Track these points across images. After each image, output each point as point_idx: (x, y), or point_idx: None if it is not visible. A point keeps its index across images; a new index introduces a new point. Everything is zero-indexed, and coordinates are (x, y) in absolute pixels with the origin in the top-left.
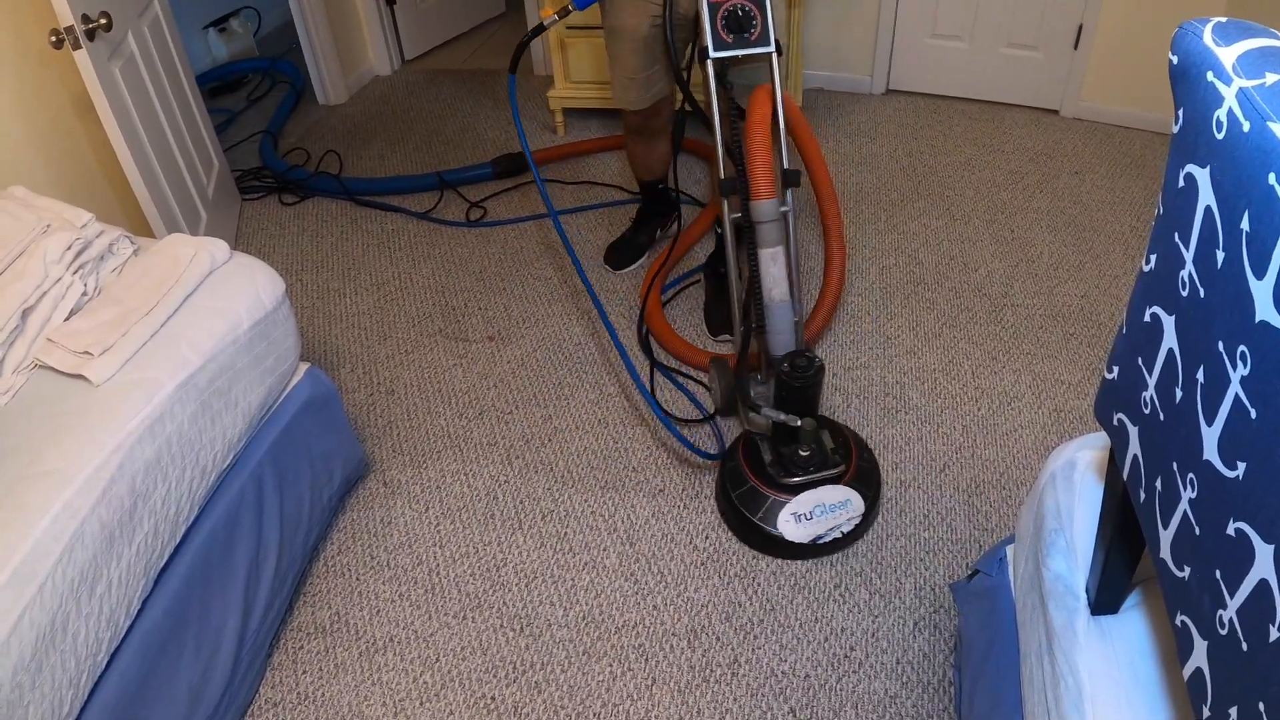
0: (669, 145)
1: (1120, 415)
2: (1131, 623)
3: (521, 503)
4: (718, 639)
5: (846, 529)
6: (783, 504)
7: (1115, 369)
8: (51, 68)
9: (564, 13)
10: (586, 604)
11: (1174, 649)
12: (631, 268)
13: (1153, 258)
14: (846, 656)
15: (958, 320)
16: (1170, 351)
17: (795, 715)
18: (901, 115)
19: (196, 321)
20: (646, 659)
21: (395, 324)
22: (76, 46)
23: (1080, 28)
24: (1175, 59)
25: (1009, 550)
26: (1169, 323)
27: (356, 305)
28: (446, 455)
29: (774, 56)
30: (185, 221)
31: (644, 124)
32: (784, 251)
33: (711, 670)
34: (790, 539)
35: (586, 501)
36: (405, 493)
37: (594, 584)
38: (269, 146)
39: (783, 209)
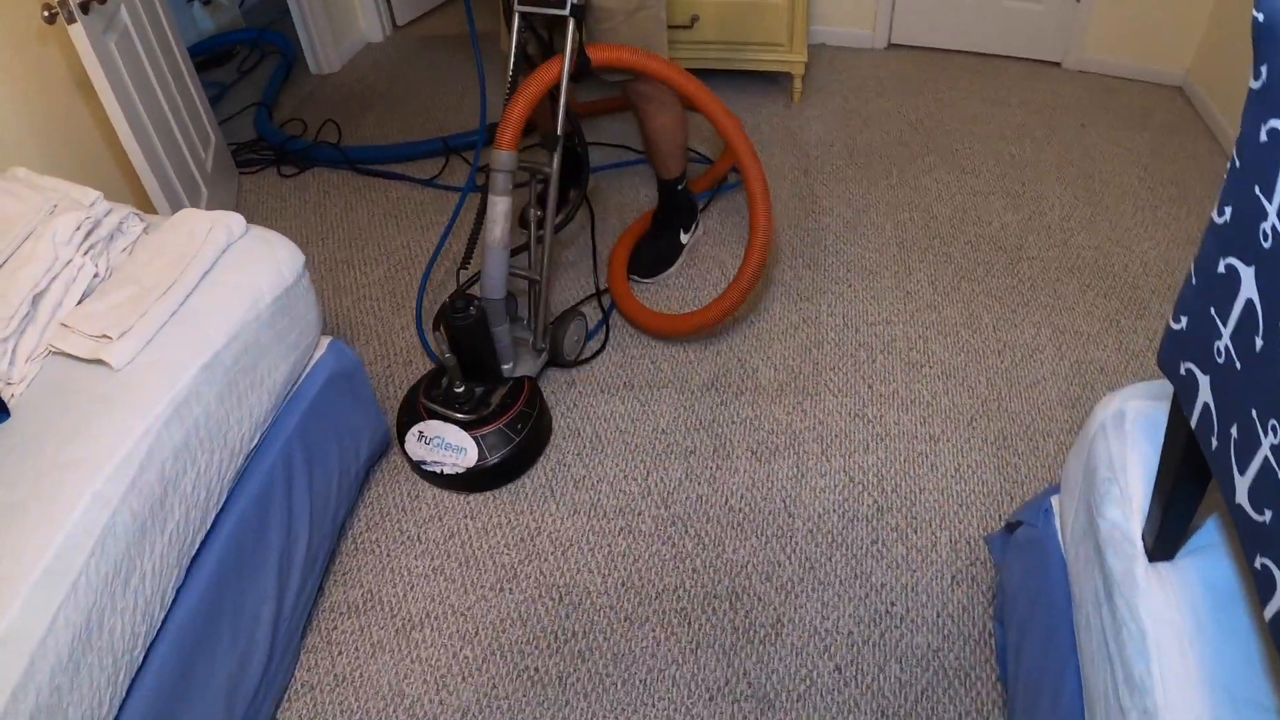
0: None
1: (1189, 365)
2: (1188, 569)
3: (551, 470)
4: (759, 599)
5: (449, 470)
6: (418, 420)
7: (1183, 319)
8: (49, 44)
9: None
10: (625, 570)
11: (1233, 592)
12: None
13: (1227, 210)
14: (887, 612)
15: (975, 273)
16: (1249, 301)
17: (840, 672)
18: (905, 70)
19: (217, 298)
20: (689, 623)
21: (408, 293)
22: (71, 20)
23: None
24: (1261, 16)
25: (1054, 501)
26: (1248, 274)
27: (367, 276)
28: None
29: (570, 21)
30: (187, 197)
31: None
32: (508, 202)
33: (755, 631)
34: (406, 450)
35: (617, 465)
36: None
37: (631, 549)
38: (264, 118)
39: (544, 170)
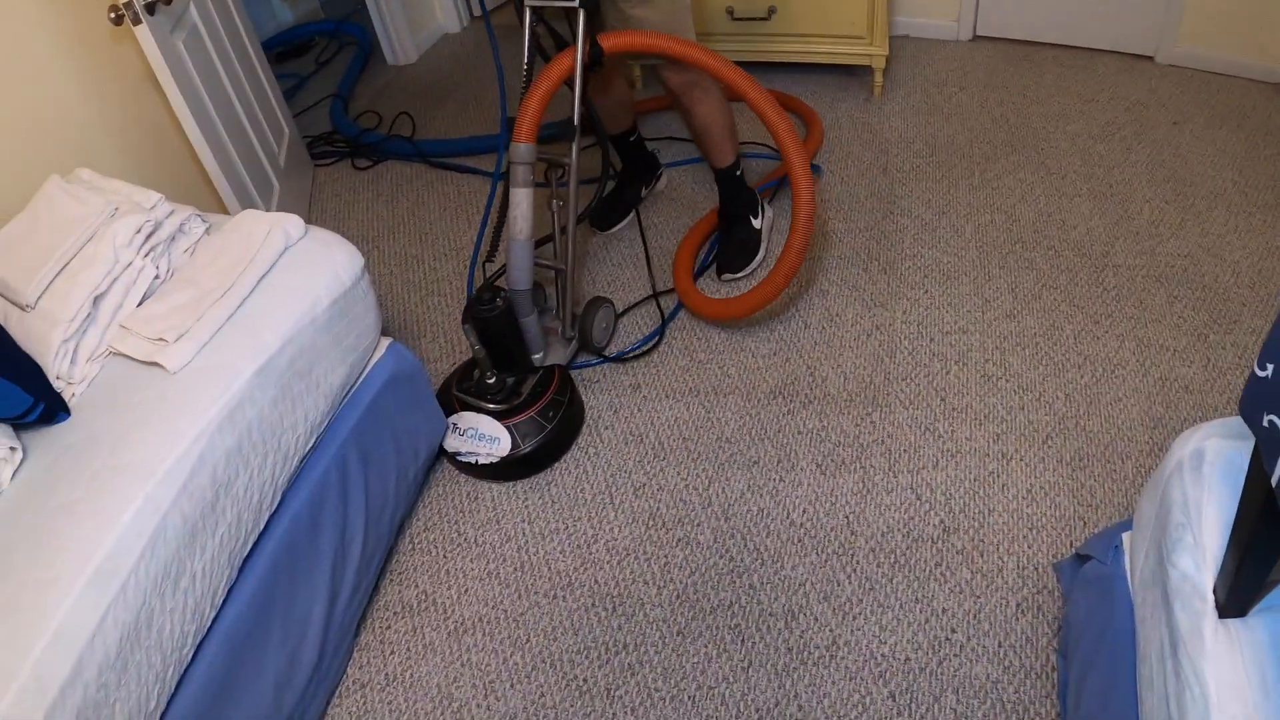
0: (626, 88)
1: (1273, 417)
2: (1259, 628)
3: (612, 476)
4: (816, 619)
5: (483, 460)
6: (454, 412)
7: (1269, 367)
8: (122, 43)
9: None
10: (680, 582)
11: None
12: (617, 228)
13: None
14: (947, 639)
15: (1058, 281)
16: None
17: (895, 700)
18: (990, 63)
19: (273, 302)
20: (743, 640)
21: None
22: (136, 22)
23: None
24: None
25: (1125, 538)
26: None
27: (436, 272)
28: None
29: (580, 14)
30: (258, 192)
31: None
32: (529, 194)
33: (809, 652)
34: (442, 443)
35: (679, 474)
36: None
37: (688, 561)
38: (340, 110)
39: (564, 160)
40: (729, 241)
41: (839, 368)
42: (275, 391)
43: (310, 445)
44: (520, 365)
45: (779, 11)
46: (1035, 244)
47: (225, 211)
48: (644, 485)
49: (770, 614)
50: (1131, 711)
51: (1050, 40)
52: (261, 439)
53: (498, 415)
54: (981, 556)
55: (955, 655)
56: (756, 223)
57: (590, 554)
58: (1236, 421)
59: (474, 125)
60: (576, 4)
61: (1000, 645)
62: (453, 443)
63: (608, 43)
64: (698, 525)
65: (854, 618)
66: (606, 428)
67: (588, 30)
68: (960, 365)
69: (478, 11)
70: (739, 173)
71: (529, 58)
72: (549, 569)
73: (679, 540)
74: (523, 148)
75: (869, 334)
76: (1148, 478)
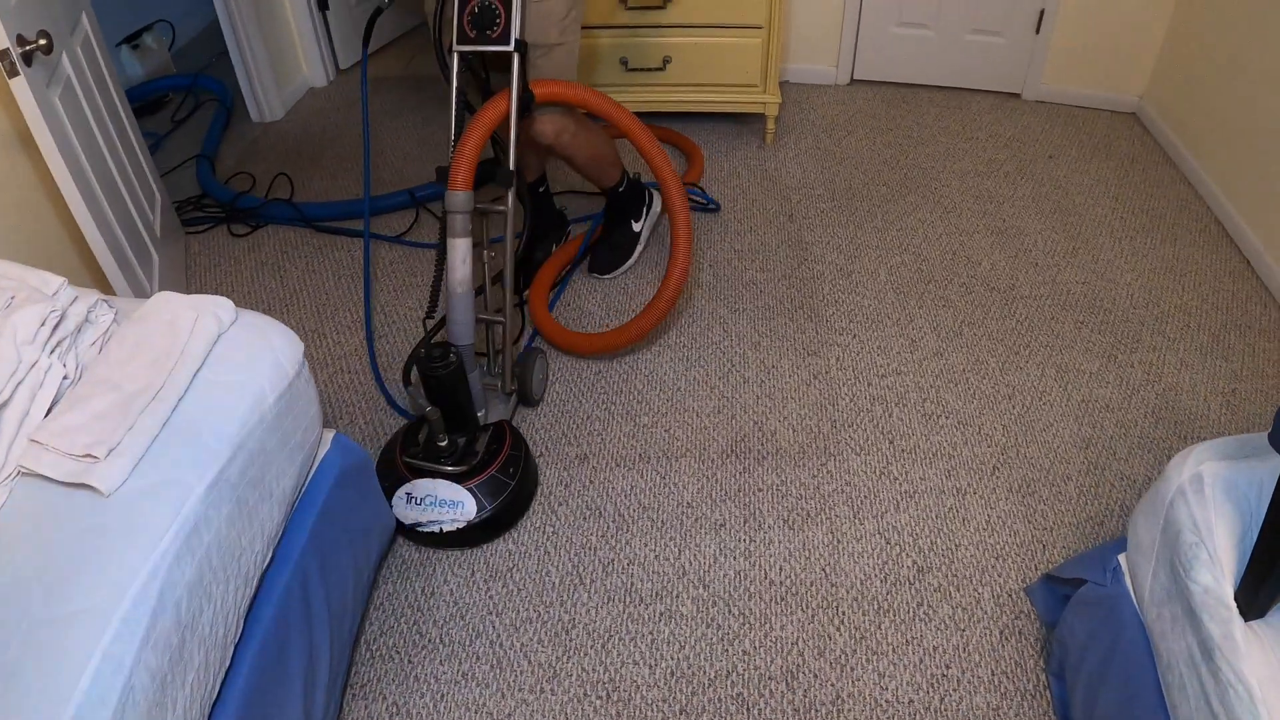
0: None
1: None
2: None
3: (576, 555)
4: (815, 676)
5: (447, 528)
6: (404, 480)
7: None
8: None
9: None
10: (671, 658)
11: None
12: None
13: None
14: (944, 675)
15: (974, 316)
16: None
17: None
18: (871, 106)
19: (214, 402)
20: (748, 709)
21: (390, 364)
22: (13, 73)
23: (1042, 12)
24: None
25: (1121, 559)
26: None
27: (341, 347)
28: None
29: (515, 57)
30: (139, 264)
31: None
32: (467, 244)
33: (816, 710)
34: (397, 514)
35: (646, 545)
36: (443, 557)
37: (674, 636)
38: (207, 172)
39: (499, 207)
40: (605, 242)
41: (785, 420)
42: (231, 507)
43: (269, 561)
44: (470, 424)
45: (673, 61)
46: (947, 281)
47: (108, 289)
48: (612, 561)
49: (769, 677)
50: (1159, 717)
51: (923, 82)
52: (222, 564)
53: (457, 478)
54: (958, 591)
55: (954, 690)
56: (637, 226)
57: (570, 641)
58: (1220, 444)
59: (357, 185)
60: (512, 48)
61: (993, 673)
62: (410, 514)
63: (541, 90)
64: (677, 597)
65: (852, 669)
66: (560, 504)
67: (521, 74)
68: (900, 407)
69: (344, 64)
70: (622, 188)
71: (456, 107)
72: (529, 662)
73: (661, 615)
74: (460, 196)
75: (808, 383)
76: (1139, 505)
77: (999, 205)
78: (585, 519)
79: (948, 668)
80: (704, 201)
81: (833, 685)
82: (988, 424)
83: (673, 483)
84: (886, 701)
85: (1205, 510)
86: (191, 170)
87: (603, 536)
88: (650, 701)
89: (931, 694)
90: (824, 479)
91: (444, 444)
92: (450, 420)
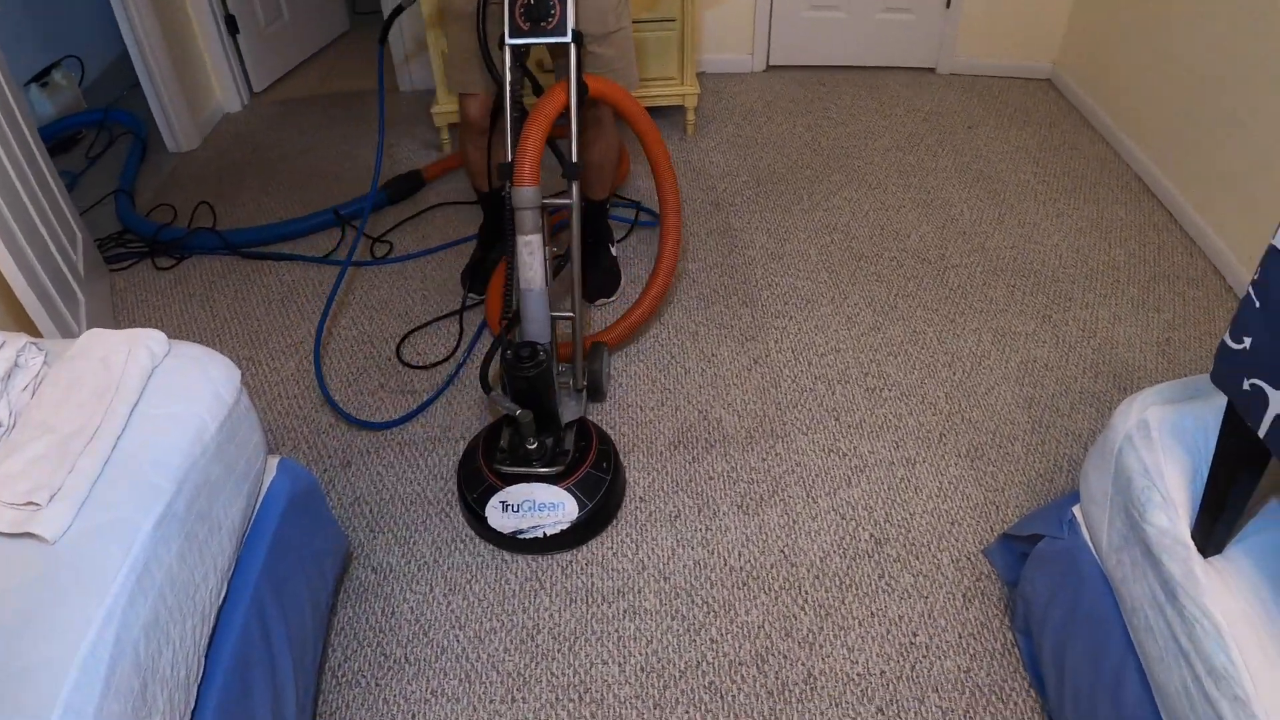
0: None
1: (1255, 381)
2: (1239, 559)
3: (533, 559)
4: (785, 657)
5: (551, 531)
6: (496, 490)
7: (1246, 340)
8: None
9: None
10: (640, 654)
11: None
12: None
13: None
14: (912, 643)
15: (907, 289)
16: None
17: (883, 713)
18: (789, 91)
19: (154, 437)
20: (721, 696)
21: (329, 387)
22: None
23: None
24: None
25: (1075, 511)
26: None
27: (277, 373)
28: (434, 522)
29: (572, 48)
30: (64, 305)
31: (477, 119)
32: (540, 240)
33: (789, 691)
34: (492, 525)
35: (602, 543)
36: (400, 575)
37: (640, 631)
38: (127, 206)
39: (563, 201)
40: (596, 268)
41: (730, 406)
42: (180, 543)
43: (224, 595)
44: (555, 424)
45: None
46: (878, 257)
47: (35, 333)
48: (569, 562)
49: (739, 663)
50: (1128, 662)
51: (839, 63)
52: (177, 602)
53: (554, 479)
54: (917, 559)
55: (924, 657)
56: (614, 249)
57: (537, 646)
58: (1164, 388)
59: (280, 208)
60: (569, 39)
61: (960, 636)
62: (508, 522)
63: (594, 87)
64: (639, 592)
65: (820, 646)
66: None
67: (579, 64)
68: (843, 383)
69: (258, 87)
70: (609, 205)
71: (511, 105)
72: (497, 672)
73: (624, 611)
74: (528, 191)
75: (749, 368)
76: (1089, 456)
77: (923, 178)
78: None
79: (915, 635)
80: (653, 216)
81: (803, 664)
82: (930, 393)
83: (627, 478)
84: (858, 675)
85: (1154, 454)
86: (111, 206)
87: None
88: (623, 699)
89: (902, 663)
90: (774, 461)
91: (533, 447)
92: (538, 421)
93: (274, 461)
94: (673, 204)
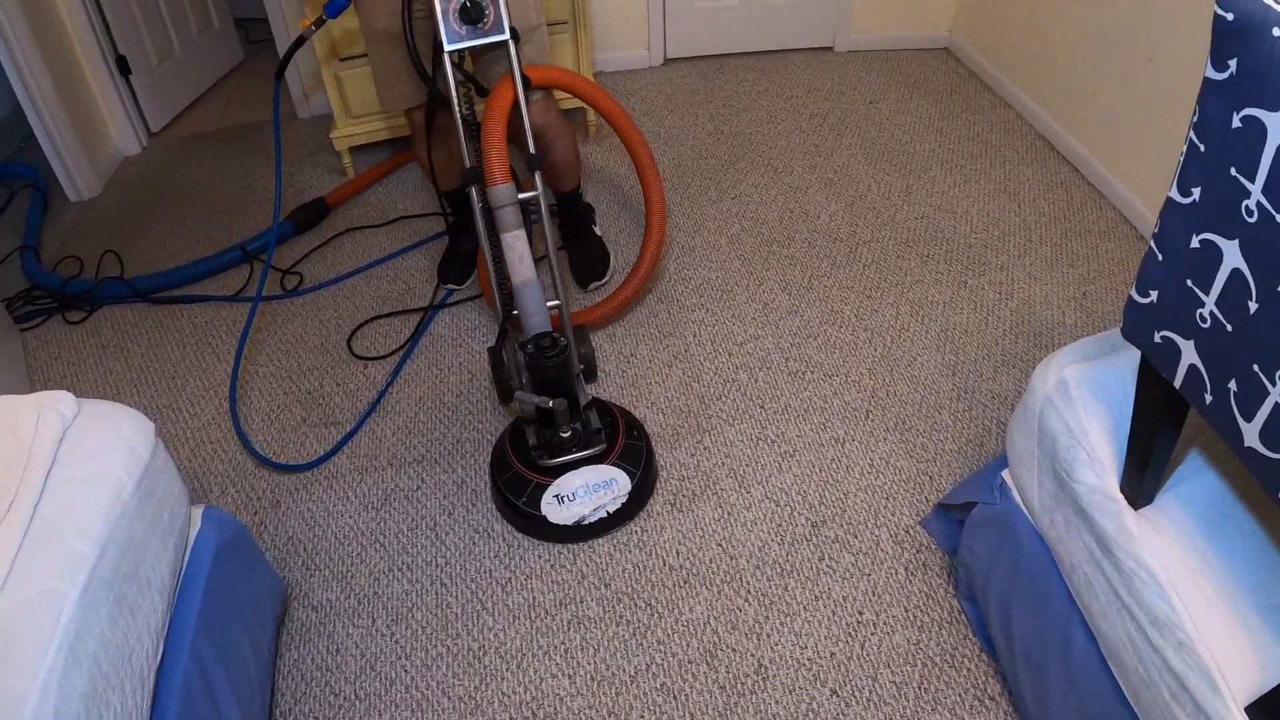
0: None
1: (1165, 333)
2: (1170, 507)
3: (472, 579)
4: (734, 651)
5: (612, 508)
6: (545, 487)
7: (1152, 294)
8: None
9: (319, 22)
10: (588, 664)
11: (1218, 518)
12: (472, 278)
13: (1195, 191)
14: (859, 622)
15: (821, 269)
16: (1236, 271)
17: (838, 694)
18: (690, 83)
19: (71, 501)
20: (674, 697)
21: (251, 428)
22: None
23: None
24: (1230, 16)
25: (1005, 476)
26: (1230, 246)
27: (198, 418)
28: (369, 554)
29: (510, 44)
30: None
31: (428, 123)
32: (523, 234)
33: (742, 683)
34: (554, 521)
35: (539, 555)
36: (341, 610)
37: (586, 640)
38: (33, 262)
39: (530, 194)
40: (583, 252)
41: (654, 405)
42: (110, 607)
43: (160, 655)
44: (579, 407)
45: None
46: (789, 240)
47: None
48: (509, 579)
49: (689, 661)
50: (1073, 618)
51: (736, 50)
52: (113, 668)
53: (601, 458)
54: (855, 538)
55: (872, 634)
56: (597, 230)
57: (485, 667)
58: (1079, 346)
59: (188, 249)
60: (507, 35)
61: (906, 609)
62: (569, 512)
63: (537, 75)
64: (581, 601)
65: (768, 635)
66: (446, 532)
67: (519, 59)
68: (765, 370)
69: (155, 127)
70: (581, 193)
71: (462, 111)
72: (448, 698)
73: (568, 623)
74: (503, 189)
75: (670, 365)
76: (1012, 420)
77: (828, 157)
78: (475, 542)
79: (861, 614)
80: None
81: (753, 655)
82: (853, 370)
83: None
84: (809, 660)
85: (1076, 412)
86: (15, 264)
87: (495, 556)
88: (577, 711)
89: (851, 643)
90: (702, 455)
91: (567, 435)
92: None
93: (198, 512)
94: (652, 175)
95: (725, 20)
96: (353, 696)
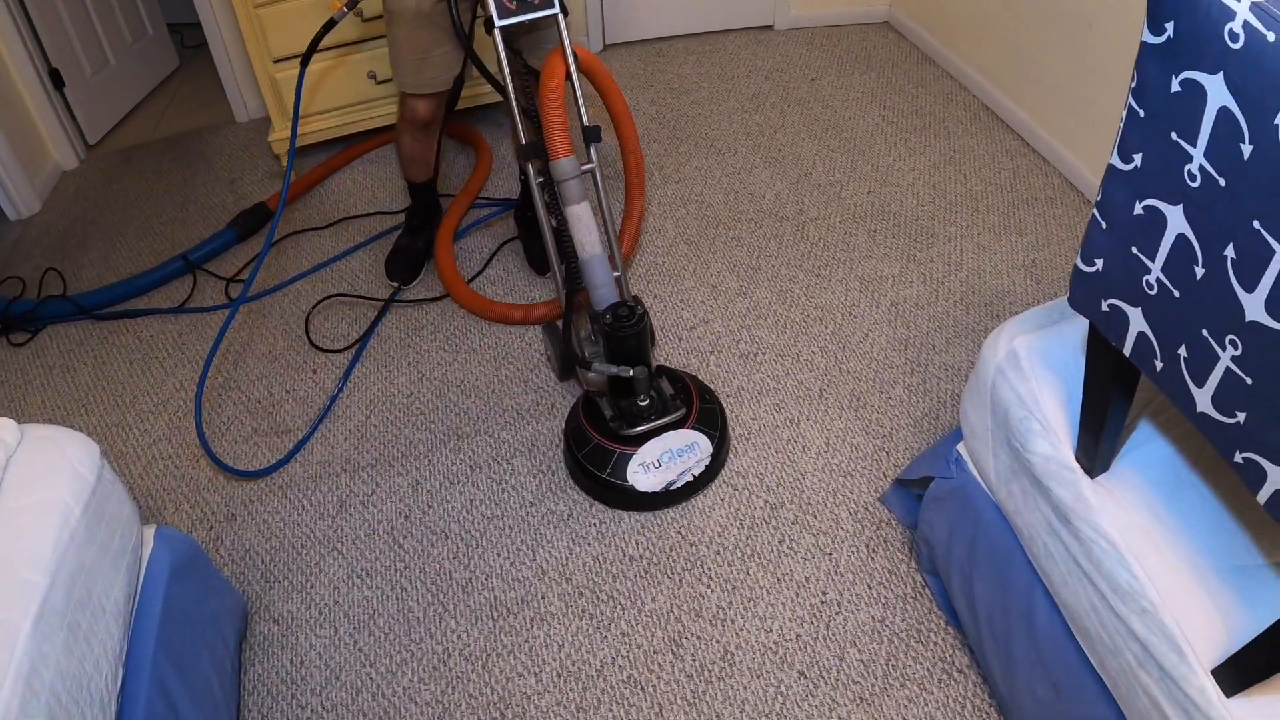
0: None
1: (1113, 301)
2: (1126, 474)
3: (433, 582)
4: (699, 638)
5: (697, 471)
6: (629, 456)
7: (1098, 262)
8: None
9: (352, 3)
10: (554, 660)
11: (1175, 482)
12: (420, 277)
13: (1136, 157)
14: (823, 602)
15: (769, 249)
16: (1181, 236)
17: (805, 676)
18: (629, 67)
19: (19, 530)
20: (642, 688)
21: (215, 435)
22: None
23: None
24: None
25: (961, 449)
26: (1174, 211)
27: (148, 434)
28: (328, 562)
29: (560, 17)
30: None
31: (433, 115)
32: (589, 207)
33: (709, 670)
34: (642, 489)
35: (499, 554)
36: (303, 622)
37: (550, 636)
38: None
39: (587, 166)
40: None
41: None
42: (64, 635)
43: (120, 680)
44: (652, 374)
45: None
46: (735, 222)
47: None
48: (470, 580)
49: (654, 651)
50: (1035, 588)
51: (676, 33)
52: (72, 698)
53: (681, 423)
54: (815, 518)
55: (837, 613)
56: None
57: (450, 670)
58: (1028, 316)
59: (129, 263)
60: (557, 10)
61: (869, 587)
62: (657, 479)
63: (581, 55)
64: (543, 598)
65: (732, 621)
66: (404, 536)
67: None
68: (716, 354)
69: (93, 139)
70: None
71: (512, 88)
72: (415, 704)
73: (531, 620)
74: (566, 163)
75: None
76: (965, 393)
77: (771, 136)
78: (433, 544)
79: (825, 594)
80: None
81: (718, 642)
82: (805, 349)
83: (510, 486)
84: (774, 643)
85: (1027, 383)
86: None
87: (455, 557)
88: (545, 709)
89: (816, 623)
90: None
91: (645, 403)
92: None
93: (150, 531)
94: (634, 151)
95: (663, 3)
96: (319, 708)
